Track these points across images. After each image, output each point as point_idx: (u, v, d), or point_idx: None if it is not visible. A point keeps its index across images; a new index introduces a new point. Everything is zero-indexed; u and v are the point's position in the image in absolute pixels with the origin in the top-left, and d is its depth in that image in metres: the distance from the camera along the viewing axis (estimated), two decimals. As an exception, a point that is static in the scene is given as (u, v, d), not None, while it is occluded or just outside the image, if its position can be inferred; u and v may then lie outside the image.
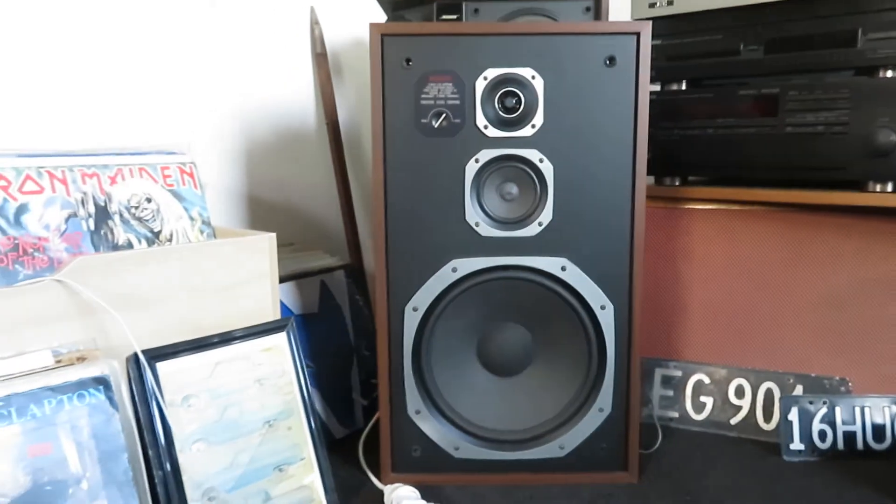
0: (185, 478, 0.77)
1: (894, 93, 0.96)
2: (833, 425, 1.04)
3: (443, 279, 0.93)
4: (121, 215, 0.87)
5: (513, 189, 0.93)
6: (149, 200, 0.90)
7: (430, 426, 0.96)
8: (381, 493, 0.92)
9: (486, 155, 0.91)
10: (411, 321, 0.94)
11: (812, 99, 1.03)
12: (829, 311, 1.08)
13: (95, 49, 1.04)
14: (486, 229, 0.92)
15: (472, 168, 0.91)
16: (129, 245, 0.87)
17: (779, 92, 1.05)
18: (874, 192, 1.00)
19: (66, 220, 0.83)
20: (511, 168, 0.92)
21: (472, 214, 0.92)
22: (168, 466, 0.76)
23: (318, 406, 1.07)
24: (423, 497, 0.90)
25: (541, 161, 0.91)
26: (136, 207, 0.89)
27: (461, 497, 0.94)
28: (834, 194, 1.02)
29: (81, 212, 0.84)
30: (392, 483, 0.93)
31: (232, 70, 1.21)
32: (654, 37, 0.94)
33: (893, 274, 1.04)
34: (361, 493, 0.95)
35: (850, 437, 1.03)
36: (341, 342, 1.14)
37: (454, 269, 0.93)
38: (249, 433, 0.84)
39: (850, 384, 1.06)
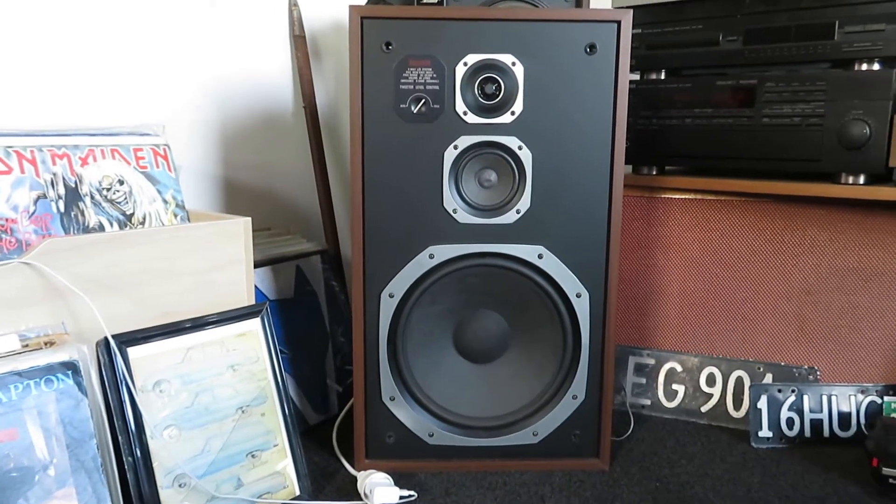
0: (155, 464, 0.76)
1: (869, 86, 0.98)
2: (801, 413, 1.06)
3: (420, 266, 0.93)
4: (92, 197, 0.86)
5: (491, 176, 0.92)
6: (121, 182, 0.88)
7: (405, 413, 0.96)
8: (355, 480, 0.92)
9: (464, 141, 0.90)
10: (387, 307, 0.93)
11: (789, 91, 1.03)
12: (802, 300, 1.09)
13: (67, 26, 1.01)
14: (464, 216, 0.92)
15: (450, 154, 0.90)
16: (101, 228, 0.86)
17: (756, 83, 1.06)
18: (847, 184, 1.01)
19: (36, 202, 0.81)
20: (490, 155, 0.91)
21: (450, 201, 0.91)
22: (138, 453, 0.75)
23: (293, 392, 1.07)
24: (397, 483, 0.90)
25: (520, 148, 0.91)
26: (108, 189, 0.87)
27: (435, 483, 0.94)
28: (808, 185, 1.03)
29: (51, 193, 0.82)
30: (366, 469, 0.94)
31: (208, 51, 1.18)
32: (634, 25, 0.94)
33: (864, 263, 1.05)
34: (335, 479, 0.95)
35: (816, 424, 1.05)
36: (316, 328, 1.13)
37: (431, 256, 0.92)
38: (222, 419, 0.83)
39: (818, 373, 1.08)
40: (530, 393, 0.98)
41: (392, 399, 0.96)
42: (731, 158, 1.10)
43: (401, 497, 0.88)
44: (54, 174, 0.83)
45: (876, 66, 0.98)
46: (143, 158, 0.92)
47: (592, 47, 0.89)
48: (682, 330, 1.17)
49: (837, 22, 0.99)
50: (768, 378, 1.11)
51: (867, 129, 0.97)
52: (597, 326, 0.95)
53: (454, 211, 0.92)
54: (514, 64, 0.88)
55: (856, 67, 1.00)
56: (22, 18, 0.97)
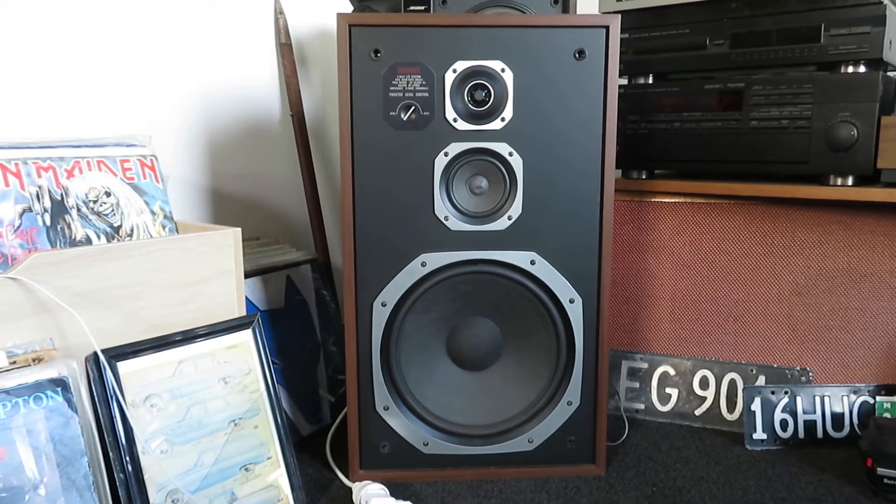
0: (147, 480, 0.75)
1: (855, 88, 0.98)
2: (794, 414, 1.06)
3: (412, 274, 0.92)
4: (78, 210, 0.84)
5: (482, 183, 0.92)
6: (108, 194, 0.87)
7: (399, 422, 0.95)
8: (350, 491, 0.91)
9: (455, 148, 0.90)
10: (380, 316, 0.93)
11: (776, 94, 1.04)
12: (792, 302, 1.10)
13: (51, 36, 1.00)
14: (456, 223, 0.91)
15: (441, 161, 0.90)
16: (88, 241, 0.85)
17: (743, 86, 1.07)
18: (835, 185, 1.02)
19: (21, 215, 0.80)
20: (480, 162, 0.91)
21: (442, 208, 0.91)
22: (129, 469, 0.74)
23: (285, 403, 1.05)
24: (393, 494, 0.90)
25: (510, 155, 0.90)
26: (95, 202, 0.86)
27: (430, 493, 0.93)
28: (797, 187, 1.03)
29: (37, 206, 0.81)
30: (360, 480, 0.93)
31: (194, 60, 1.18)
32: (622, 30, 0.94)
33: (853, 264, 1.06)
34: (329, 490, 0.94)
35: (810, 425, 1.06)
36: (308, 338, 1.12)
37: (423, 264, 0.92)
38: (214, 433, 0.82)
39: (810, 374, 1.09)
40: (525, 400, 0.97)
41: (386, 408, 0.95)
42: (720, 162, 1.10)
43: (396, 508, 0.87)
44: (40, 187, 0.82)
45: (862, 69, 0.99)
46: (129, 170, 0.91)
47: (581, 53, 0.89)
48: (674, 333, 1.17)
49: (823, 25, 1.00)
50: (761, 380, 1.11)
51: (854, 131, 0.98)
52: (590, 331, 0.95)
53: (446, 218, 0.91)
54: (503, 70, 0.88)
55: (842, 70, 1.00)
56: (4, 30, 0.95)
